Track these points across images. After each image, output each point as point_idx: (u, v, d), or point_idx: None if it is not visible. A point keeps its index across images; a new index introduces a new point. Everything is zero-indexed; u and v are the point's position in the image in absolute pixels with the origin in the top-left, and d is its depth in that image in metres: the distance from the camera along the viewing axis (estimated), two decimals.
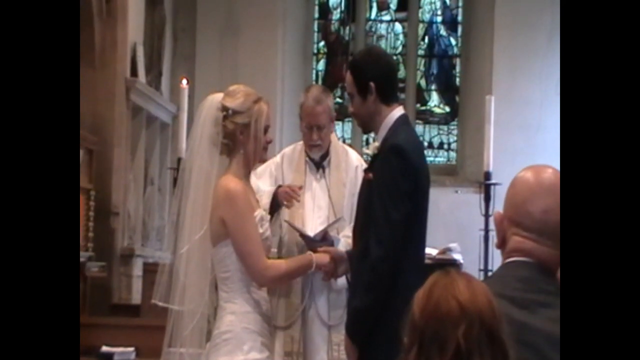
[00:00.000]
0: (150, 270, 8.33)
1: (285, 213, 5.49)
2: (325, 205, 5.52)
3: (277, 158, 5.70)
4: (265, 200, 5.32)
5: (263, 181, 5.56)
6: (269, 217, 4.76)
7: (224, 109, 4.52)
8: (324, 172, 5.60)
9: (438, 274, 2.34)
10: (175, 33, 11.24)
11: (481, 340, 2.23)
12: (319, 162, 5.61)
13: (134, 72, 9.58)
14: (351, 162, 5.64)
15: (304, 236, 5.34)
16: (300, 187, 5.43)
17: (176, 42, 11.27)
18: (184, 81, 8.66)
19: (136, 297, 9.18)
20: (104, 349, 7.26)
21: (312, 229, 5.40)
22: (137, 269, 9.35)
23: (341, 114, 11.69)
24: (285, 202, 5.35)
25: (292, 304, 5.44)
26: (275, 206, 5.38)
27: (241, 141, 4.52)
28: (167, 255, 9.04)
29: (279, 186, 5.44)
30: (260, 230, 4.50)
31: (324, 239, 5.27)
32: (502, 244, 2.82)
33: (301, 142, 5.70)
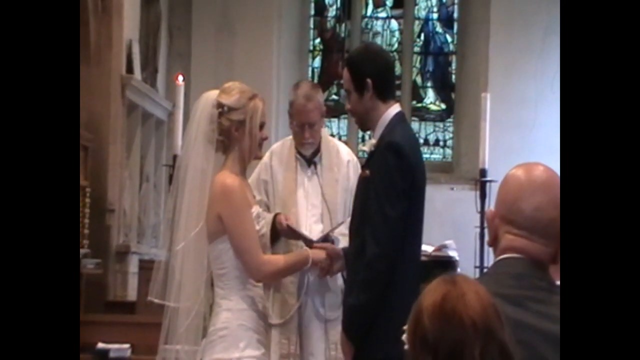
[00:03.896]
0: (146, 267, 8.33)
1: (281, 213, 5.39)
2: (319, 204, 5.45)
3: (266, 158, 5.56)
4: (264, 231, 5.23)
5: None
6: (265, 213, 4.75)
7: (219, 105, 4.52)
8: (315, 168, 5.51)
9: (444, 282, 2.28)
10: (170, 30, 11.24)
11: (495, 356, 2.23)
12: (310, 158, 5.53)
13: (130, 69, 9.57)
14: (342, 157, 5.56)
15: (304, 239, 5.24)
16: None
17: (172, 39, 11.26)
18: (180, 78, 8.65)
19: (132, 294, 9.18)
20: (100, 345, 7.26)
21: (307, 227, 5.36)
22: (133, 266, 9.34)
23: (337, 111, 11.70)
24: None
25: (287, 303, 5.37)
26: (275, 235, 5.25)
27: (236, 138, 4.52)
28: (162, 253, 9.05)
29: (277, 214, 5.31)
30: (257, 227, 4.50)
31: (325, 241, 5.20)
32: (494, 242, 2.82)
33: (290, 138, 5.61)
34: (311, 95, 5.46)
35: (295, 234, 5.28)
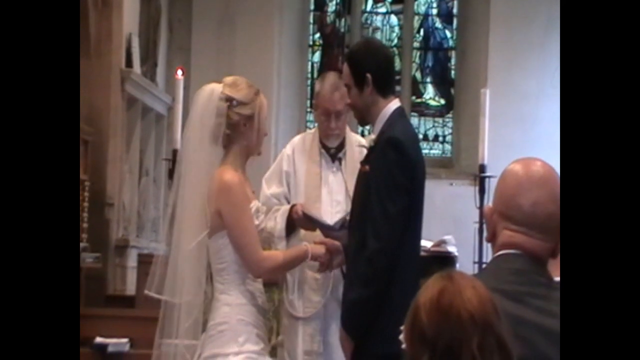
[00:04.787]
0: (145, 261, 8.30)
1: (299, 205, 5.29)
2: (343, 200, 5.36)
3: (288, 150, 5.52)
4: (280, 226, 5.14)
5: (273, 188, 5.40)
6: (264, 208, 4.73)
7: (228, 99, 4.49)
8: (340, 164, 5.45)
9: (441, 278, 2.29)
10: (170, 24, 11.22)
11: (493, 349, 2.24)
12: (334, 154, 5.47)
13: (129, 63, 9.56)
14: (365, 152, 5.51)
15: (322, 225, 5.16)
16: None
17: (172, 33, 11.25)
18: (180, 72, 8.64)
19: (131, 288, 9.18)
20: (98, 339, 7.25)
21: (331, 222, 5.27)
22: (132, 260, 9.34)
23: None
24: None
25: (311, 300, 5.32)
26: (291, 227, 5.21)
27: (243, 132, 4.50)
28: (161, 247, 9.04)
29: (293, 205, 5.26)
30: (256, 222, 4.49)
31: (342, 227, 5.15)
32: (492, 238, 2.82)
33: (311, 132, 5.58)
34: (338, 85, 5.36)
35: (312, 222, 5.18)
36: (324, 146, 5.48)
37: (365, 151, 5.43)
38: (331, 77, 5.51)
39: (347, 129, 5.59)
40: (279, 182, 5.43)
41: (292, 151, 5.51)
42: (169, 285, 4.50)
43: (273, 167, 5.50)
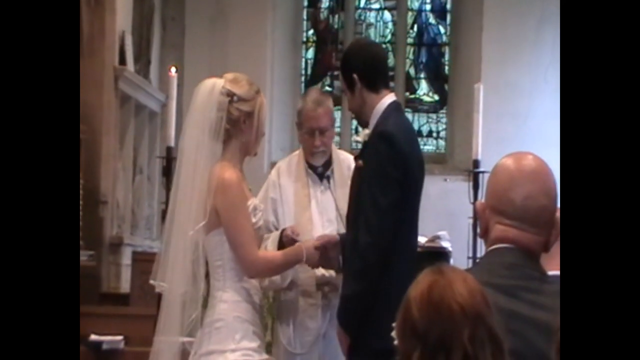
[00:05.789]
0: (140, 259, 8.33)
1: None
2: (334, 219, 5.17)
3: (273, 176, 5.32)
4: (270, 248, 4.97)
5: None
6: (262, 206, 4.71)
7: (230, 94, 4.48)
8: (328, 182, 5.25)
9: (431, 272, 2.30)
10: (164, 21, 11.21)
11: (484, 341, 2.24)
12: (322, 173, 5.27)
13: (123, 61, 9.55)
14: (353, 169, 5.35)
15: None
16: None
17: (165, 30, 11.24)
18: (173, 69, 8.62)
19: (125, 286, 9.17)
20: (93, 337, 7.25)
21: None
22: (126, 258, 9.33)
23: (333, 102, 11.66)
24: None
25: (308, 328, 5.12)
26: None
27: (242, 130, 4.50)
28: (156, 244, 9.02)
29: (283, 230, 5.08)
30: (253, 220, 4.48)
31: None
32: (485, 233, 2.83)
33: (296, 153, 5.39)
34: (321, 100, 5.23)
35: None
36: (310, 166, 5.27)
37: (352, 167, 5.37)
38: (313, 93, 5.39)
39: (334, 146, 5.40)
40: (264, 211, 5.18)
41: (278, 176, 5.30)
42: (167, 278, 4.48)
43: (259, 195, 5.23)
